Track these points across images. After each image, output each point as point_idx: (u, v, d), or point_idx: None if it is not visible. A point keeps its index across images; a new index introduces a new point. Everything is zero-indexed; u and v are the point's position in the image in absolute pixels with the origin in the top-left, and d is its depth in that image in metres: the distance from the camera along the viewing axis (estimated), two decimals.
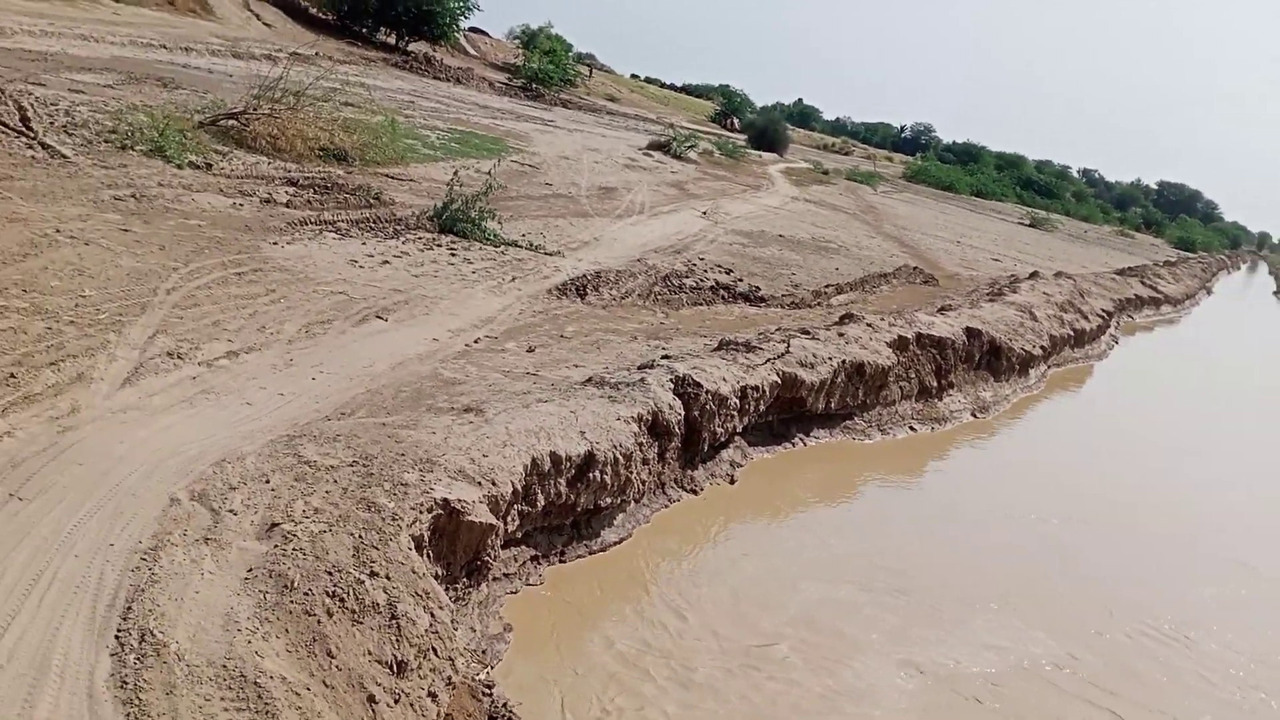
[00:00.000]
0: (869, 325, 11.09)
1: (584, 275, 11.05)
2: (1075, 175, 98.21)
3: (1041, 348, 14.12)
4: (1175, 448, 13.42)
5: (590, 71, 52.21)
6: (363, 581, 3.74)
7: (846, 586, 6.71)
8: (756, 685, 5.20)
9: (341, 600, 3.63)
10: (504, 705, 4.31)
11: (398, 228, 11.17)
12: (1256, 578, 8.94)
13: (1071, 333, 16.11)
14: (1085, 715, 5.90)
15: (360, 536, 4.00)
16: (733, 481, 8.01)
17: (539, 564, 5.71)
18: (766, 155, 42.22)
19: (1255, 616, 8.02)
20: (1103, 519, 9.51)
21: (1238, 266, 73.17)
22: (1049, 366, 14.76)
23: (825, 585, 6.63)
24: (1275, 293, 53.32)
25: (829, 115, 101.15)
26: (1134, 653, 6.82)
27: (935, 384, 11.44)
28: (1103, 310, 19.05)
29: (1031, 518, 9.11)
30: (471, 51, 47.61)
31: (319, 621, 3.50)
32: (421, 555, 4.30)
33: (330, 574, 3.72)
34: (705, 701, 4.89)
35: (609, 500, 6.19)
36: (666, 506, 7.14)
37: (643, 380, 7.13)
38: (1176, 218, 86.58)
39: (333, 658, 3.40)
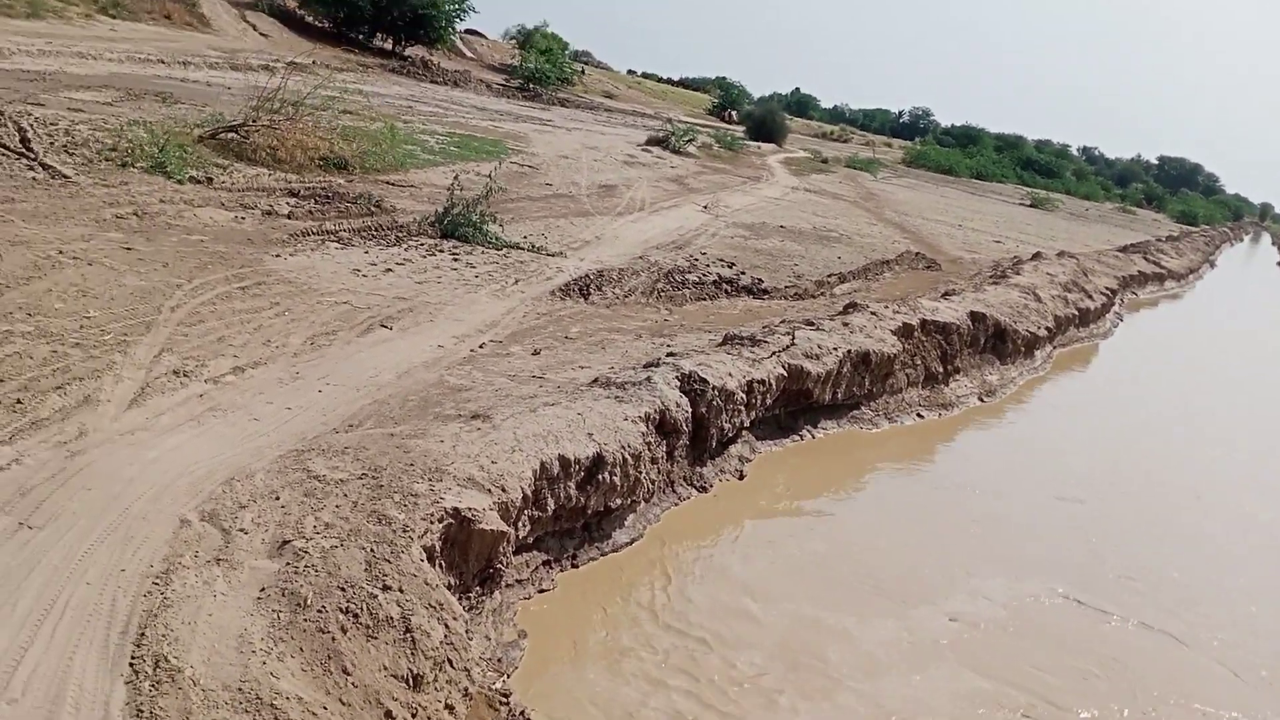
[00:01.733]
0: (873, 314, 11.07)
1: (587, 275, 11.05)
2: (1075, 154, 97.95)
3: (1046, 329, 14.08)
4: (1182, 421, 13.35)
5: (583, 69, 52.15)
6: (376, 596, 3.74)
7: (860, 576, 6.70)
8: (769, 686, 5.20)
9: (355, 616, 3.64)
10: (521, 713, 4.31)
11: (399, 235, 11.18)
12: (1256, 529, 9.11)
13: (1076, 312, 16.06)
14: (1080, 625, 6.63)
15: (372, 550, 4.00)
16: (742, 477, 8.00)
17: (551, 569, 5.71)
18: (765, 146, 42.18)
19: (1241, 561, 8.35)
20: (1110, 490, 9.57)
21: (1240, 238, 72.89)
22: (1054, 347, 14.72)
23: (839, 573, 6.62)
24: (1279, 263, 53.12)
25: (826, 103, 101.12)
26: (1131, 595, 7.22)
27: (941, 370, 11.41)
28: (1106, 288, 18.98)
29: (1037, 494, 9.12)
30: (468, 54, 47.62)
31: (333, 639, 3.50)
32: (434, 566, 4.30)
33: (343, 590, 3.73)
34: (721, 705, 4.88)
35: (619, 501, 6.19)
36: (677, 505, 7.13)
37: (649, 379, 7.12)
38: (1178, 192, 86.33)
39: (348, 675, 3.41)
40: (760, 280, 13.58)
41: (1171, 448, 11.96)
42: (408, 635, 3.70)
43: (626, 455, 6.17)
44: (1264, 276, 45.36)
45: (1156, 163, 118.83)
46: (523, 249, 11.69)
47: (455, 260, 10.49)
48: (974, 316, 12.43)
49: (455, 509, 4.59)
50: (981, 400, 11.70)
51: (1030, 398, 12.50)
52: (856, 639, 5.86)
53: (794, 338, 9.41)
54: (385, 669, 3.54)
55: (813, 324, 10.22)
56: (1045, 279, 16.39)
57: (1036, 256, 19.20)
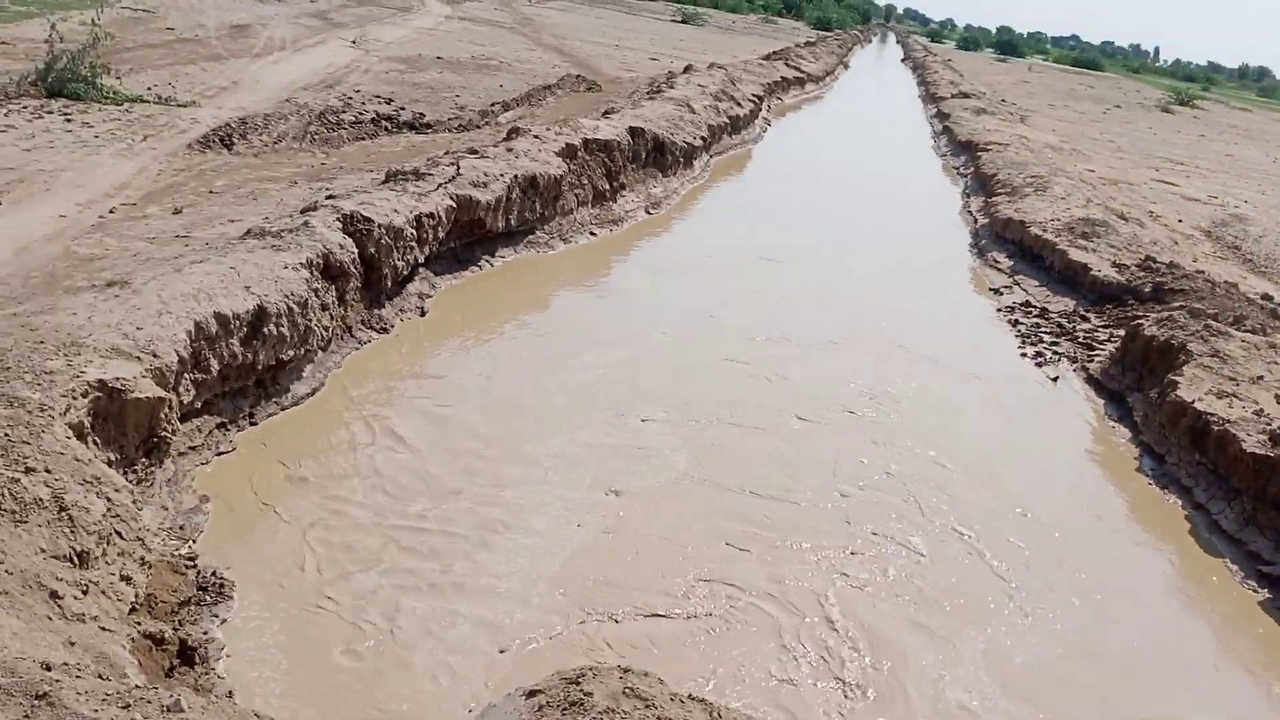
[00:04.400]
0: (536, 137, 11.09)
1: (227, 124, 10.24)
2: None
3: (701, 138, 14.75)
4: (829, 209, 14.61)
5: None
6: (18, 479, 3.45)
7: (549, 397, 6.95)
8: (451, 529, 5.29)
9: None
10: (213, 574, 4.21)
11: None
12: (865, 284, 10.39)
13: (728, 120, 16.89)
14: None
15: (5, 434, 3.66)
16: (423, 314, 7.94)
17: (228, 430, 5.49)
18: None
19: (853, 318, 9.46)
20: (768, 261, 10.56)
21: (870, 40, 78.79)
22: (711, 156, 15.47)
23: (521, 406, 6.83)
24: (903, 60, 58.18)
25: None
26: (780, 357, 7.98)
27: (608, 187, 11.72)
28: (754, 95, 20.05)
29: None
30: None
31: None
32: (85, 442, 4.01)
33: None
34: (408, 545, 4.94)
35: (292, 353, 5.98)
36: (358, 349, 6.99)
37: (306, 224, 6.81)
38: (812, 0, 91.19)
39: (0, 563, 3.16)
40: (422, 114, 13.21)
41: (820, 234, 13.08)
42: (63, 514, 3.47)
43: (292, 305, 5.93)
44: (890, 73, 49.55)
45: None
46: (148, 102, 10.61)
47: (68, 121, 9.36)
48: (633, 132, 12.77)
49: (101, 381, 4.27)
50: (649, 213, 12.18)
51: (693, 205, 13.17)
52: (546, 441, 6.12)
53: (459, 168, 9.28)
54: (43, 551, 3.32)
55: (477, 152, 10.10)
56: (697, 91, 17.03)
57: (688, 70, 19.85)
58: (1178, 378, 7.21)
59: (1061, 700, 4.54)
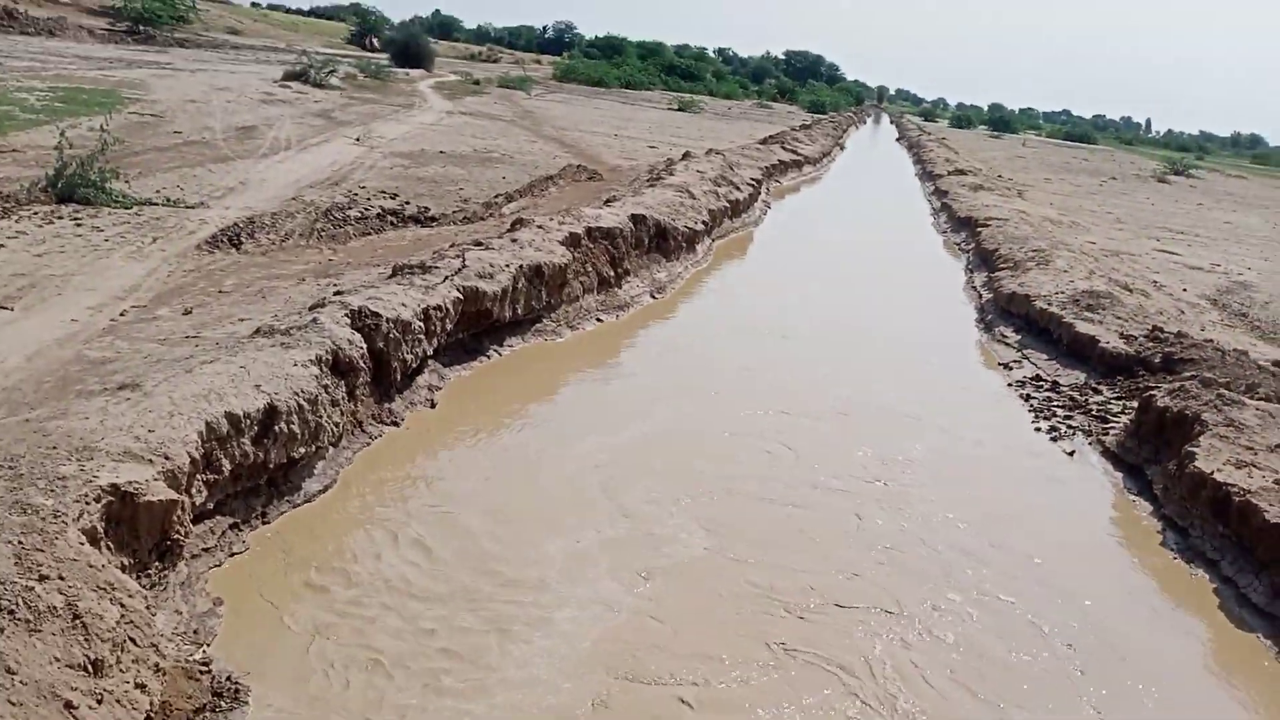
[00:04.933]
0: (540, 227, 11.22)
1: (235, 223, 10.38)
2: (712, 55, 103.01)
3: (703, 223, 14.91)
4: (831, 287, 14.67)
5: (193, 4, 47.79)
6: (31, 588, 3.41)
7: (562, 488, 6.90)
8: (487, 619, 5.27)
9: (11, 613, 3.30)
10: (228, 678, 4.12)
11: (7, 206, 9.96)
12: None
13: (727, 204, 17.10)
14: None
15: (20, 542, 3.62)
16: (433, 405, 7.94)
17: (240, 530, 5.43)
18: (414, 72, 41.09)
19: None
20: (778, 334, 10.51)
21: (864, 121, 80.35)
22: (713, 239, 15.64)
23: (535, 497, 6.78)
24: (898, 139, 59.21)
25: (469, 24, 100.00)
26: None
27: (612, 273, 11.82)
28: (752, 179, 20.34)
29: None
30: None
31: None
32: (99, 548, 3.97)
33: None
34: (430, 643, 4.85)
35: (303, 450, 5.96)
36: (369, 444, 6.96)
37: (315, 320, 6.85)
38: (806, 84, 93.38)
39: (13, 674, 3.10)
40: (426, 208, 13.38)
41: (825, 309, 13.14)
42: (77, 621, 3.41)
43: (302, 402, 5.93)
44: (886, 152, 50.38)
45: (784, 58, 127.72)
46: (157, 204, 10.77)
47: (79, 225, 9.49)
48: (635, 219, 12.92)
49: (114, 485, 4.24)
50: (654, 297, 12.26)
51: (697, 287, 13.26)
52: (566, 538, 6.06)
53: (465, 260, 9.37)
54: (57, 660, 3.25)
55: (482, 244, 10.20)
56: (696, 176, 17.29)
57: (686, 156, 20.18)
58: (1195, 449, 7.15)
59: None
